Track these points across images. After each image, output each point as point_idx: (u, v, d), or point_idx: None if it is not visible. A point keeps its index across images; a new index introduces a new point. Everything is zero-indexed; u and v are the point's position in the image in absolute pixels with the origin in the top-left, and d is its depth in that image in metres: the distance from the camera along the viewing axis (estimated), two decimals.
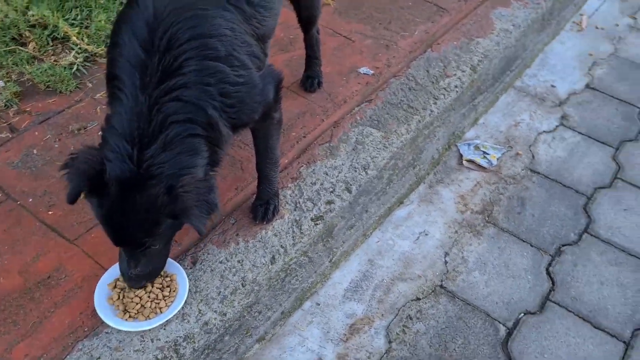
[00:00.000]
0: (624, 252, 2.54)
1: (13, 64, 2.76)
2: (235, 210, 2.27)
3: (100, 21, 2.96)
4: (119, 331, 1.86)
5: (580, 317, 2.30)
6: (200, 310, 1.95)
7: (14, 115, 2.56)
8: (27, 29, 2.89)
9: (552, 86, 3.39)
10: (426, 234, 2.58)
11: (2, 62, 2.76)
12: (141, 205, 1.60)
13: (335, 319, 2.26)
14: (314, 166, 2.45)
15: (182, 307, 1.93)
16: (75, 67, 2.78)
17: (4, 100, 2.58)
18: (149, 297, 1.90)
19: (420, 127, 2.71)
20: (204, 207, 1.64)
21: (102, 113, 2.57)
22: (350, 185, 2.41)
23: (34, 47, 2.84)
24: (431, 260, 2.48)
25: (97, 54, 2.86)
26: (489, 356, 2.17)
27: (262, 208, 2.20)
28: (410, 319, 2.28)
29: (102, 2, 3.09)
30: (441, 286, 2.39)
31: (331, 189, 2.38)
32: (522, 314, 2.30)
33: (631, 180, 2.86)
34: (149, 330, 1.86)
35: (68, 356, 1.80)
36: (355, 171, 2.46)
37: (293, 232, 2.22)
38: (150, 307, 1.88)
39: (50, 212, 2.19)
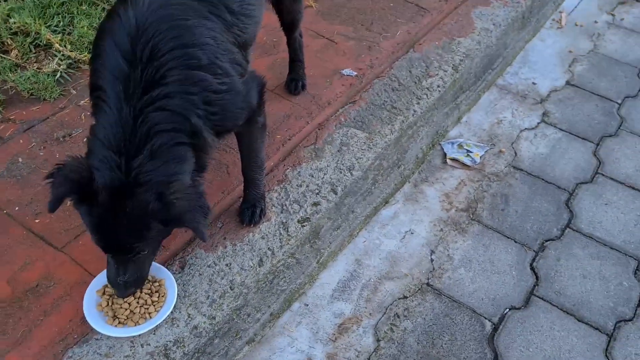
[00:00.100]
0: (606, 245, 2.59)
1: None
2: (222, 214, 2.29)
3: (82, 27, 2.96)
4: (108, 337, 1.87)
5: (564, 311, 2.35)
6: (190, 314, 1.97)
7: None
8: (9, 36, 2.88)
9: (533, 83, 3.44)
10: (412, 233, 2.62)
11: None
12: (132, 212, 1.62)
13: (323, 319, 2.29)
14: (300, 168, 2.47)
15: (172, 312, 1.94)
16: (58, 74, 2.78)
17: None
18: (138, 302, 1.91)
19: (404, 127, 2.74)
20: (198, 212, 1.67)
21: (87, 120, 2.58)
22: (336, 186, 2.43)
23: (17, 55, 2.83)
24: (417, 259, 2.52)
25: (80, 61, 2.86)
26: (475, 351, 2.20)
27: (249, 211, 2.22)
28: (398, 317, 2.31)
29: (84, 8, 3.09)
30: (428, 284, 2.43)
31: (317, 191, 2.40)
32: (508, 309, 2.34)
33: (611, 174, 2.92)
34: (139, 335, 1.88)
35: None
36: (341, 172, 2.49)
37: (280, 234, 2.25)
38: (139, 312, 1.90)
39: (37, 221, 2.19)
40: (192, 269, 2.09)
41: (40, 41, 2.90)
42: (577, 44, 3.76)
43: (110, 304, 1.91)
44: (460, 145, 3.01)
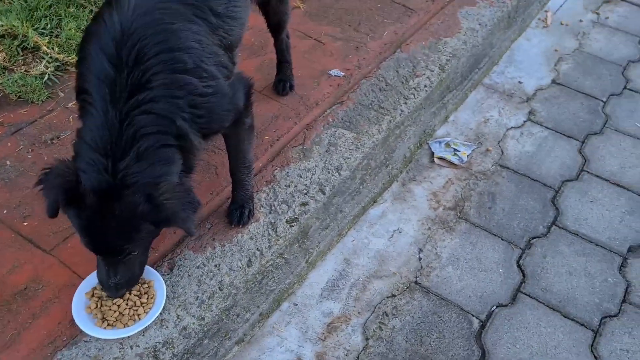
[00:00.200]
0: (591, 242, 2.63)
1: None
2: (211, 214, 2.30)
3: (70, 30, 2.96)
4: (97, 340, 1.87)
5: (550, 308, 2.38)
6: (179, 315, 1.98)
7: None
8: None
9: (520, 82, 3.48)
10: (400, 232, 2.64)
11: None
12: (121, 213, 1.64)
13: (313, 319, 2.30)
14: (288, 169, 2.49)
15: (161, 313, 1.95)
16: (46, 77, 2.78)
17: None
18: (127, 304, 1.92)
19: (391, 126, 2.76)
20: (188, 208, 1.70)
21: (75, 122, 2.58)
22: (324, 186, 2.45)
23: (4, 58, 2.82)
24: (406, 257, 2.54)
25: (68, 63, 2.86)
26: (463, 349, 2.23)
27: (238, 212, 2.23)
28: (387, 315, 2.33)
29: (71, 11, 3.08)
30: (416, 282, 2.45)
31: (305, 191, 2.42)
32: (495, 307, 2.37)
33: (596, 172, 2.95)
34: (128, 337, 1.88)
35: None
36: (329, 172, 2.50)
37: (269, 234, 2.26)
38: (128, 314, 1.90)
39: (25, 224, 2.19)
40: (181, 270, 2.10)
41: (28, 44, 2.90)
42: (563, 43, 3.80)
43: (99, 306, 1.92)
44: (447, 144, 3.03)
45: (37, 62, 2.85)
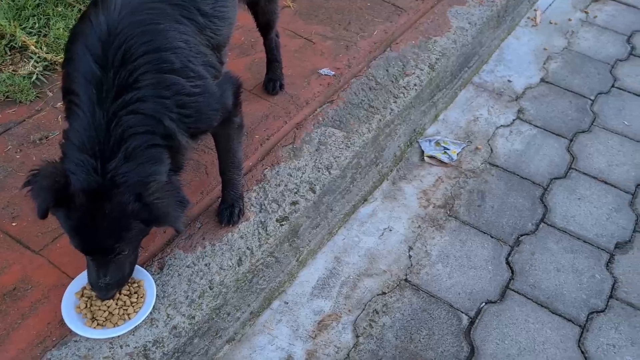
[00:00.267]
0: (579, 239, 2.65)
1: None
2: (201, 214, 2.30)
3: (58, 29, 2.95)
4: (87, 339, 1.87)
5: (538, 304, 2.40)
6: (169, 314, 1.98)
7: None
8: None
9: (509, 81, 3.50)
10: (390, 230, 2.65)
11: None
12: (111, 212, 1.64)
13: (303, 317, 2.31)
14: (278, 168, 2.49)
15: (151, 313, 1.95)
16: (34, 77, 2.77)
17: None
18: (116, 304, 1.92)
19: (381, 125, 2.78)
20: (178, 207, 1.71)
21: (63, 122, 2.57)
22: (314, 185, 2.46)
23: None
24: (396, 255, 2.55)
25: (56, 63, 2.85)
26: (452, 345, 2.25)
27: (228, 211, 2.23)
28: (377, 313, 2.34)
29: (59, 10, 3.07)
30: (406, 280, 2.46)
31: (295, 190, 2.42)
32: (484, 303, 2.39)
33: (584, 170, 2.98)
34: (118, 337, 1.88)
35: None
36: (319, 171, 2.51)
37: (259, 233, 2.26)
38: (118, 314, 1.90)
39: (14, 224, 2.19)
40: (171, 270, 2.10)
41: (16, 43, 2.88)
42: (552, 42, 3.83)
43: (88, 305, 1.91)
44: (437, 143, 3.05)
45: (25, 61, 2.84)
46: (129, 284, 1.97)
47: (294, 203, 2.38)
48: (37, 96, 2.71)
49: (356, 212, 2.72)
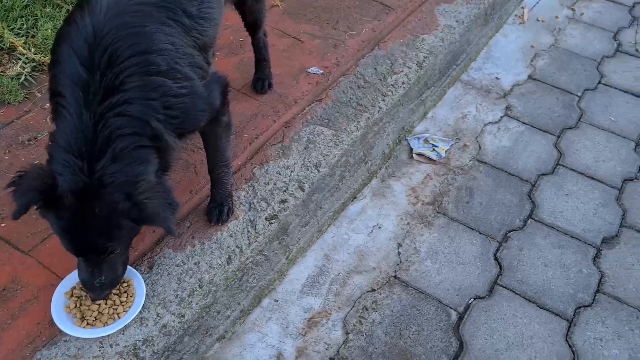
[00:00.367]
0: (566, 235, 2.68)
1: None
2: (190, 213, 2.31)
3: (46, 30, 2.94)
4: (77, 339, 1.88)
5: (526, 299, 2.42)
6: (159, 313, 1.99)
7: None
8: None
9: (497, 78, 3.53)
10: (380, 227, 2.67)
11: None
12: (101, 212, 1.64)
13: (293, 314, 2.32)
14: (267, 166, 2.50)
15: (140, 312, 1.96)
16: (23, 77, 2.76)
17: None
18: (106, 303, 1.93)
19: (369, 123, 2.79)
20: (167, 209, 1.71)
21: (50, 124, 2.57)
22: (303, 183, 2.47)
23: None
24: (385, 252, 2.57)
25: (45, 63, 2.84)
26: (441, 341, 2.27)
27: (217, 210, 2.25)
28: (366, 309, 2.36)
29: (47, 11, 3.07)
30: (395, 276, 2.48)
31: (284, 188, 2.44)
32: (472, 299, 2.41)
33: (572, 166, 3.01)
34: (108, 336, 1.89)
35: None
36: (308, 170, 2.52)
37: (248, 232, 2.28)
38: (108, 313, 1.91)
39: (3, 225, 2.19)
40: (160, 269, 2.11)
41: (4, 44, 2.88)
42: (539, 39, 3.86)
43: (78, 305, 1.92)
44: (426, 140, 3.07)
45: (13, 62, 2.83)
46: (119, 284, 1.98)
47: (283, 201, 2.39)
48: (26, 97, 2.70)
49: (345, 209, 2.73)
